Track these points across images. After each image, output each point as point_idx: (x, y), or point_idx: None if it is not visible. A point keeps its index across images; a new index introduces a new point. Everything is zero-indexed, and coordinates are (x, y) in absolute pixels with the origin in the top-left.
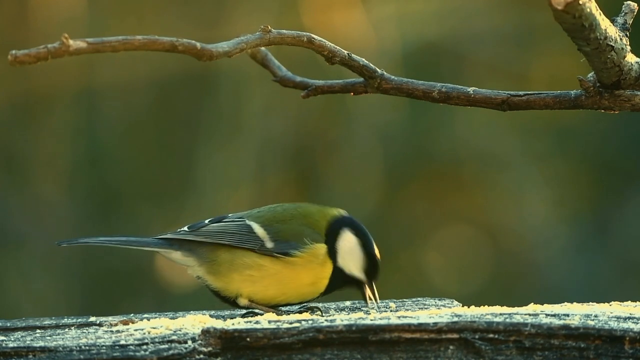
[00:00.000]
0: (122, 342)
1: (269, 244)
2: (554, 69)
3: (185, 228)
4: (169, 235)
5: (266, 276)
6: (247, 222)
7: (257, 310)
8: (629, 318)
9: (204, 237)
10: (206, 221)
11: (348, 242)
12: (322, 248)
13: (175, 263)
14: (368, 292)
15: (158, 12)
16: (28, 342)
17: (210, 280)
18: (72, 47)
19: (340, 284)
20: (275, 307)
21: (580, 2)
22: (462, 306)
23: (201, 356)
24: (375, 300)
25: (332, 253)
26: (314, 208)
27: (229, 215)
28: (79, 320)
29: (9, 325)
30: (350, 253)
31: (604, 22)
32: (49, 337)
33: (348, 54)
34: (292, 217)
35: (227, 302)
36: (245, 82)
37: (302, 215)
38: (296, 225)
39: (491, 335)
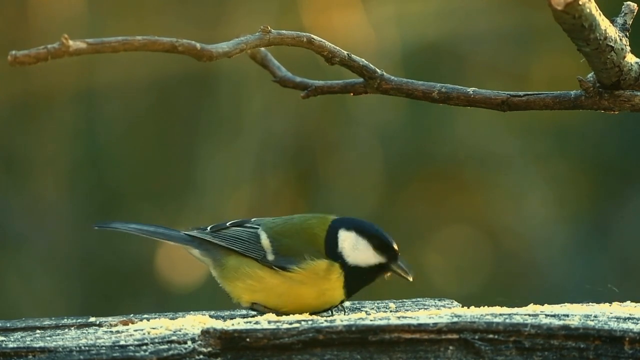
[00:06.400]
0: (122, 343)
1: (270, 257)
2: (554, 69)
3: (208, 228)
4: (193, 233)
5: (265, 288)
6: (259, 231)
7: (257, 310)
8: (629, 318)
9: (219, 240)
10: (227, 223)
11: (346, 240)
12: (322, 264)
13: (196, 260)
14: (397, 270)
15: (158, 12)
16: (28, 342)
17: (222, 282)
18: (71, 48)
19: (369, 279)
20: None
21: (580, 3)
22: (462, 306)
23: (201, 356)
24: (408, 273)
25: (339, 258)
26: (316, 220)
27: (252, 220)
28: (79, 320)
29: (8, 325)
30: (354, 248)
31: (603, 23)
32: (48, 338)
33: (348, 54)
34: (298, 232)
35: (238, 305)
36: (245, 83)
37: (305, 230)
38: (298, 241)
39: (491, 336)
